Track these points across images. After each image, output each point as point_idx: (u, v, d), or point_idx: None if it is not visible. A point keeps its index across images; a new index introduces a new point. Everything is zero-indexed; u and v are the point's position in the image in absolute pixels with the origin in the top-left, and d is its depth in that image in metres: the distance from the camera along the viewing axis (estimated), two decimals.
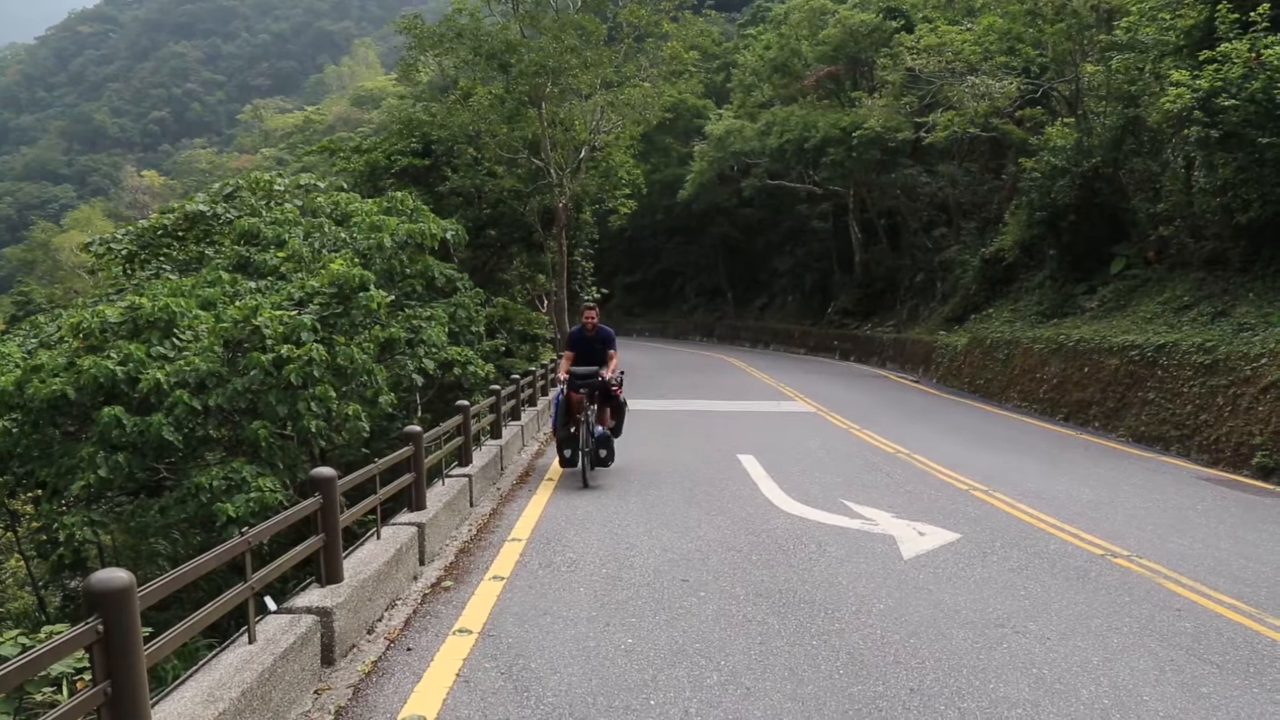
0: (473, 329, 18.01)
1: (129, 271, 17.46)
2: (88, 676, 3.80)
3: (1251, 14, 15.97)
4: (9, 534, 15.63)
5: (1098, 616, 5.58)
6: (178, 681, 3.47)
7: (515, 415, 12.80)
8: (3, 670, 2.48)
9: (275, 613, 4.37)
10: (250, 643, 3.94)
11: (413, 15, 27.07)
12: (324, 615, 4.46)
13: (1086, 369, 19.68)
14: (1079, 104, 24.97)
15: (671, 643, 4.95)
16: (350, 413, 11.85)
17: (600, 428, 10.67)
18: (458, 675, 4.49)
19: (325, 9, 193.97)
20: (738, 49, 51.86)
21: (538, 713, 4.13)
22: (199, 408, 11.26)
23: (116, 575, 2.95)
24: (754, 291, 52.39)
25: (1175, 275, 20.71)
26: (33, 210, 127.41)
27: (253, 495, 11.05)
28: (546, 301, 29.26)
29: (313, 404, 11.52)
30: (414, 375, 14.62)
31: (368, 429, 12.72)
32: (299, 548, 4.59)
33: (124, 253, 16.66)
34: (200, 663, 3.67)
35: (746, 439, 13.25)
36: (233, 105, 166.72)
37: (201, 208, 16.18)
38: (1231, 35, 16.38)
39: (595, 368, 10.95)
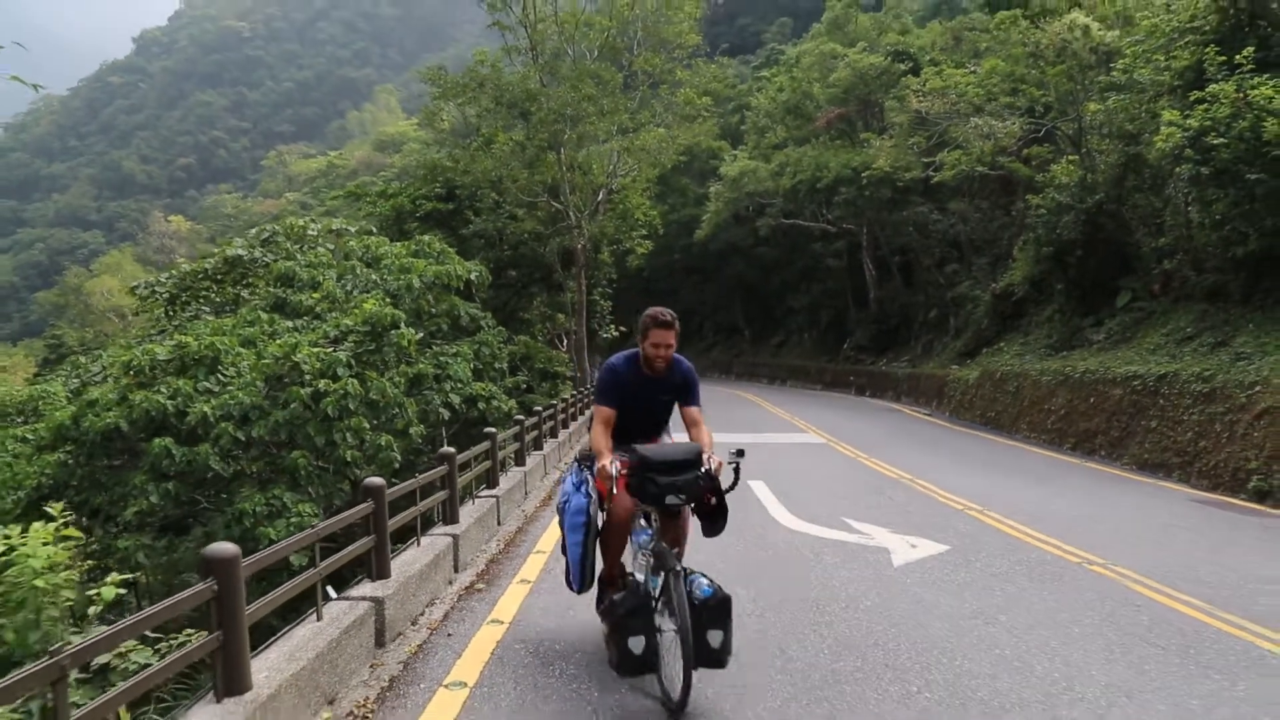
0: (496, 366, 18.82)
1: (170, 313, 18.41)
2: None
3: (1237, 57, 16.68)
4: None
5: (1064, 611, 6.19)
6: (266, 643, 4.17)
7: (538, 445, 13.48)
8: (148, 612, 3.19)
9: (337, 599, 5.09)
10: (318, 620, 4.65)
11: (436, 66, 28.24)
12: (377, 603, 5.19)
13: (1092, 399, 20.19)
14: (1082, 142, 25.69)
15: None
16: (383, 443, 12.61)
17: (703, 579, 4.71)
18: (492, 654, 5.20)
19: (347, 56, 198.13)
20: (751, 91, 53.07)
21: (561, 681, 4.84)
22: (242, 439, 12.06)
23: (226, 546, 3.62)
24: (770, 329, 53.13)
25: (1179, 307, 21.23)
26: (63, 256, 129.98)
27: (293, 519, 11.80)
28: (566, 340, 30.06)
29: (348, 435, 12.32)
30: (441, 409, 15.39)
31: (399, 459, 13.46)
32: (356, 545, 5.34)
33: (166, 295, 17.59)
34: (283, 630, 4.39)
35: (758, 467, 13.89)
36: (257, 151, 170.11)
37: (240, 252, 17.13)
38: (1220, 77, 17.09)
39: (676, 447, 5.09)
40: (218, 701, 3.53)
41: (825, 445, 17.48)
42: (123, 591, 5.42)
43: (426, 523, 7.11)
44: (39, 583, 4.86)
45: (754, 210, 43.47)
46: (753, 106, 45.84)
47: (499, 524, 8.96)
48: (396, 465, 13.63)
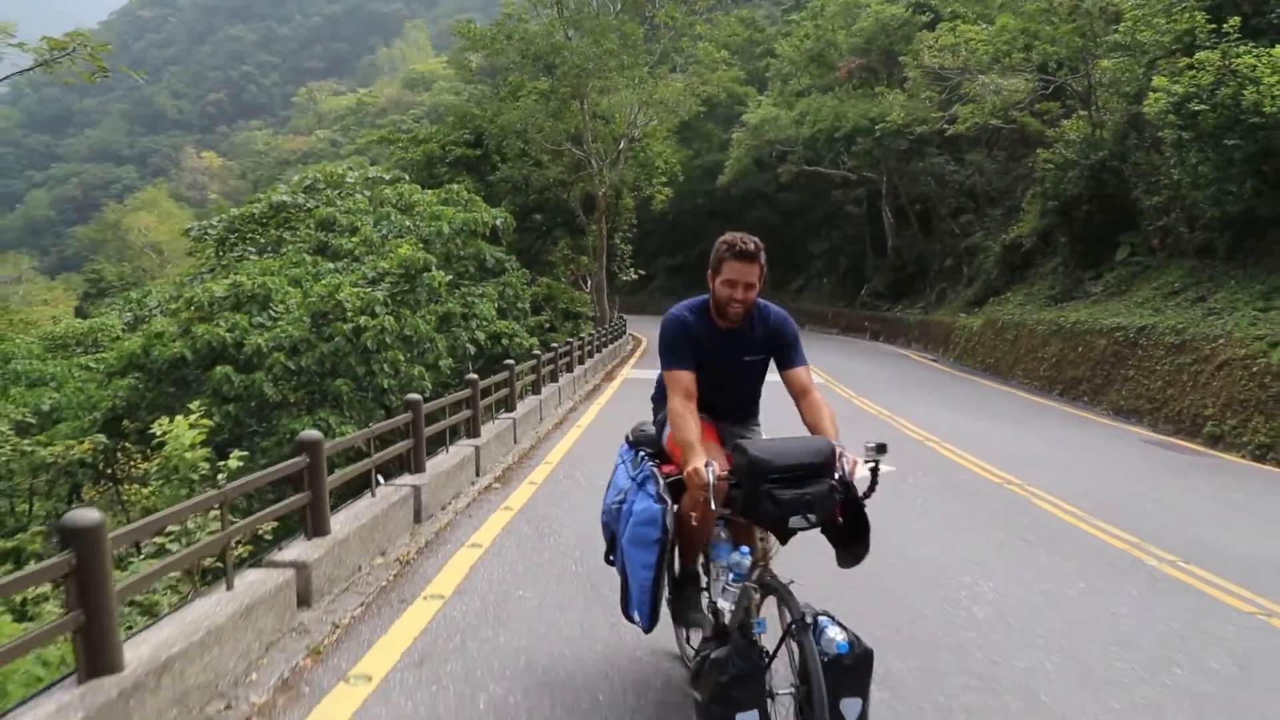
0: (519, 306, 20.30)
1: (219, 253, 19.97)
2: None
3: (1224, 25, 17.53)
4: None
5: (965, 515, 7.64)
6: (338, 509, 5.72)
7: (554, 378, 14.98)
8: (264, 473, 4.70)
9: (385, 485, 6.62)
10: (372, 496, 6.19)
11: (466, 19, 29.33)
12: (415, 489, 6.73)
13: (1080, 349, 21.40)
14: (1091, 99, 26.44)
15: None
16: (415, 374, 14.16)
17: (835, 628, 3.06)
18: (503, 529, 6.73)
19: None
20: (779, 35, 53.45)
21: (554, 545, 6.38)
22: (292, 368, 13.65)
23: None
24: (791, 274, 54.16)
25: (1172, 263, 22.25)
26: (97, 191, 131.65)
27: (337, 439, 13.44)
28: (590, 281, 31.45)
29: (385, 366, 13.87)
30: (468, 345, 16.91)
31: (430, 389, 15.02)
32: (399, 444, 6.90)
33: (217, 237, 19.14)
34: (349, 501, 5.96)
35: None
36: (287, 87, 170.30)
37: (284, 198, 18.61)
38: (1209, 44, 17.95)
39: (799, 444, 3.32)
40: (308, 539, 5.06)
41: (822, 385, 18.85)
42: (241, 463, 7.00)
43: (455, 435, 8.65)
44: (187, 455, 6.54)
45: (776, 157, 44.29)
46: (778, 54, 46.31)
47: (515, 441, 10.51)
48: (427, 394, 15.22)
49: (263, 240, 20.04)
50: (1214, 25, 18.18)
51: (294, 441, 5.09)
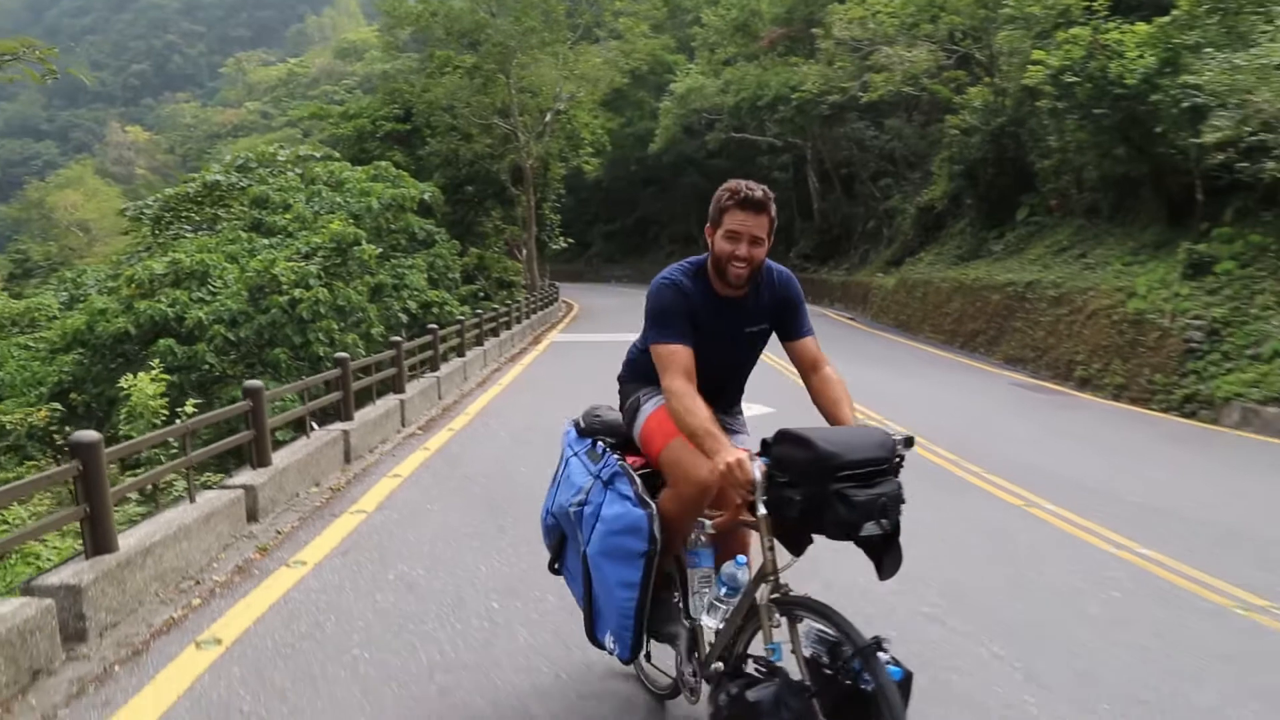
0: (449, 276, 21.33)
1: (155, 232, 20.64)
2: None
3: (1094, 3, 19.06)
4: None
5: None
6: (278, 447, 6.85)
7: (480, 342, 16.12)
8: (213, 414, 5.82)
9: (319, 430, 7.76)
10: (307, 438, 7.33)
11: None
12: (345, 433, 7.89)
13: (978, 304, 23.06)
14: (993, 68, 27.98)
15: (552, 451, 8.39)
16: (349, 341, 15.18)
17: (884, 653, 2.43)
18: (421, 464, 7.94)
19: None
20: (706, 4, 54.38)
21: (461, 474, 7.63)
22: (232, 339, 14.59)
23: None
24: None
25: (1065, 222, 23.96)
26: (16, 168, 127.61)
27: (275, 405, 14.47)
28: (524, 250, 32.46)
29: (320, 335, 14.88)
30: (400, 314, 17.93)
31: (364, 354, 16.06)
32: (329, 396, 8.04)
33: (152, 216, 19.82)
34: (288, 441, 7.09)
35: None
36: (214, 57, 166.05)
37: (218, 177, 19.34)
38: (1082, 20, 19.48)
39: (860, 434, 2.71)
40: (253, 469, 6.21)
41: None
42: (195, 410, 8.10)
43: (384, 391, 9.81)
44: (150, 403, 7.64)
45: (704, 125, 45.46)
46: (704, 23, 47.32)
47: (440, 397, 11.69)
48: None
49: (198, 218, 20.73)
50: (1088, 2, 19.71)
51: (241, 389, 6.21)
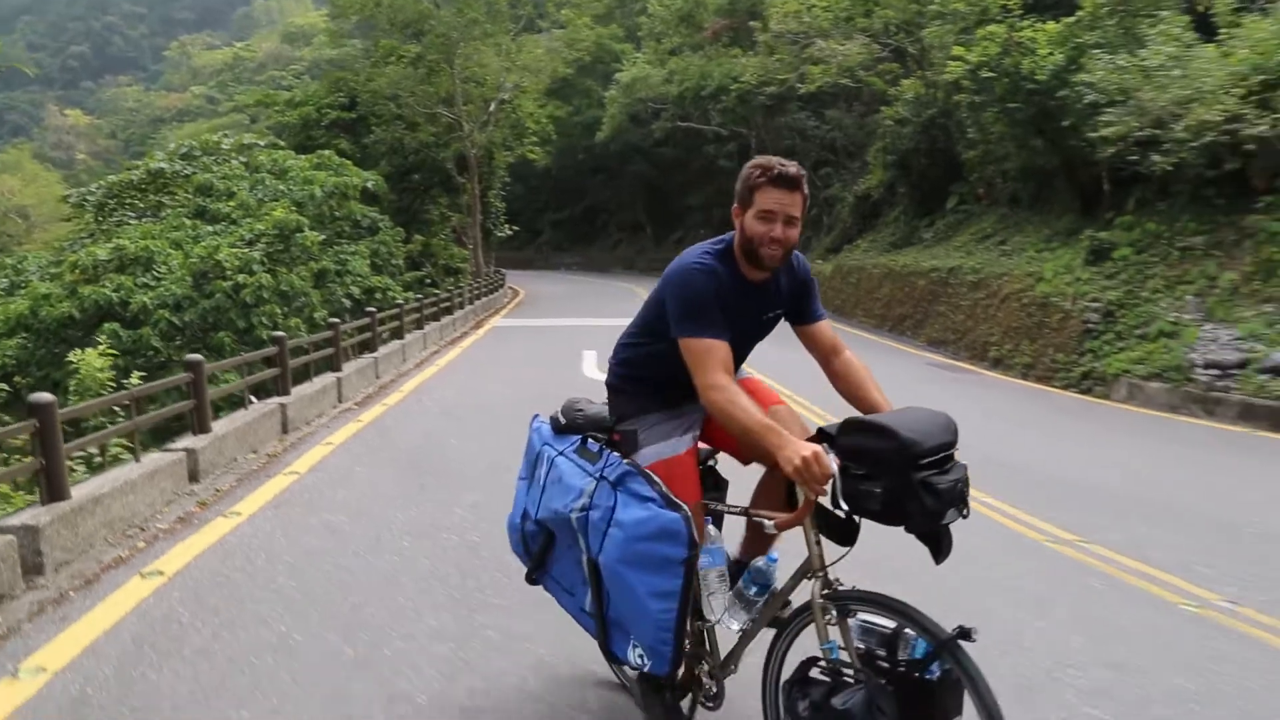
0: (393, 262, 21.82)
1: (99, 219, 20.86)
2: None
3: (1010, 3, 20.05)
4: None
5: None
6: (219, 417, 7.44)
7: (420, 325, 16.69)
8: (164, 382, 6.41)
9: (256, 403, 8.36)
10: (245, 410, 7.93)
11: None
12: (282, 406, 8.50)
13: (905, 289, 24.07)
14: (925, 61, 28.97)
15: (480, 424, 9.08)
16: (292, 325, 15.69)
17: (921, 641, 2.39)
18: (353, 434, 8.59)
19: None
20: None
21: (391, 443, 8.27)
22: (177, 323, 15.03)
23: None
24: (671, 226, 56.28)
25: (990, 211, 25.03)
26: None
27: (221, 386, 14.96)
28: (470, 238, 32.93)
29: (263, 319, 15.37)
30: (343, 299, 18.43)
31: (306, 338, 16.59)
32: (267, 372, 8.63)
33: (95, 203, 20.05)
34: (228, 414, 7.69)
35: (599, 341, 17.23)
36: (157, 40, 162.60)
37: (163, 165, 19.64)
38: (999, 18, 20.46)
39: (927, 416, 2.53)
40: (194, 435, 6.82)
41: None
42: (141, 382, 8.65)
43: (324, 369, 10.42)
44: (98, 375, 8.20)
45: (650, 114, 46.13)
46: (651, 13, 47.94)
47: (377, 376, 12.31)
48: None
49: (142, 205, 20.98)
50: (1005, 1, 20.71)
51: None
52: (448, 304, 19.98)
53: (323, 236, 17.50)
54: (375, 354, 12.59)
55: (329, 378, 10.27)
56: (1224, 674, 3.80)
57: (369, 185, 20.59)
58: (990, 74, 19.48)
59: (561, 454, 3.14)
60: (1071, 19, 17.67)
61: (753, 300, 2.89)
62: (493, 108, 30.08)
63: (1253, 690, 3.66)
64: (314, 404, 9.43)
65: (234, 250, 15.48)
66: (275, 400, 8.61)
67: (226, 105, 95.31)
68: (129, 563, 4.93)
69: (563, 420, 3.25)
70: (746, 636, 2.80)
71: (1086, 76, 15.10)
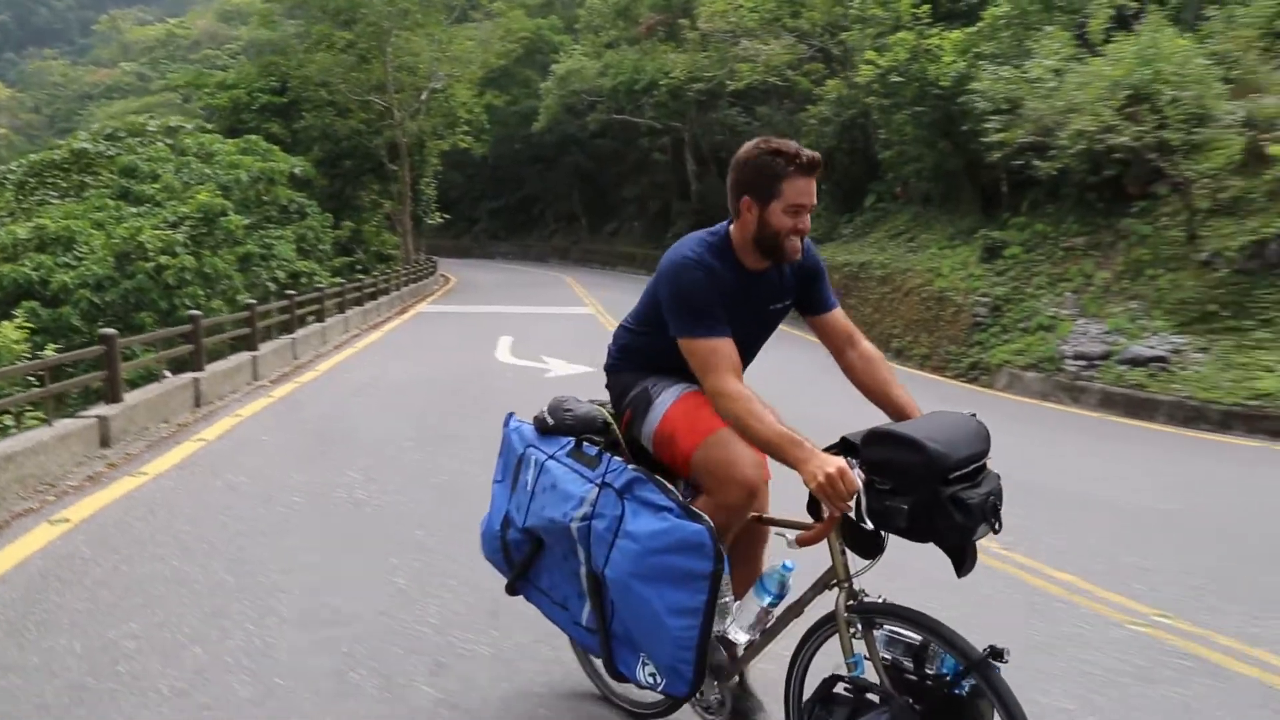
0: (320, 247, 22.13)
1: (19, 198, 20.81)
2: None
3: (918, 9, 21.04)
4: None
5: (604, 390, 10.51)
6: (135, 389, 7.92)
7: (342, 309, 17.15)
8: (75, 354, 6.89)
9: (171, 376, 8.84)
10: (159, 383, 8.41)
11: None
12: (195, 381, 9.01)
13: None
14: (847, 62, 29.95)
15: (384, 400, 9.68)
16: (215, 307, 16.02)
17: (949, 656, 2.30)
18: (264, 407, 9.13)
19: None
20: None
21: (298, 415, 8.83)
22: (98, 303, 15.28)
23: (111, 331, 7.02)
24: (606, 217, 56.94)
25: (905, 209, 26.10)
26: None
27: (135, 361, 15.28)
28: (400, 225, 33.21)
29: (186, 300, 15.68)
30: (268, 283, 18.75)
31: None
32: (180, 348, 9.10)
33: (16, 181, 20.04)
34: (144, 386, 8.17)
35: (518, 327, 17.90)
36: (85, 12, 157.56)
37: (86, 145, 19.70)
38: (910, 25, 21.45)
39: (954, 422, 2.44)
40: (107, 404, 7.32)
41: (591, 316, 21.74)
42: (56, 354, 9.08)
43: (242, 347, 10.92)
44: (14, 346, 8.62)
45: (586, 106, 46.66)
46: (588, 5, 48.41)
47: (295, 357, 12.83)
48: None
49: (65, 185, 20.98)
50: (916, 9, 21.68)
51: (104, 338, 7.30)
52: (373, 289, 20.40)
53: (248, 220, 17.81)
54: (294, 335, 13.08)
55: (244, 356, 10.78)
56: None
57: (296, 170, 20.87)
58: (899, 78, 20.46)
59: (553, 458, 2.94)
60: (973, 29, 18.69)
61: (756, 292, 2.75)
62: (424, 96, 30.40)
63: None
64: (228, 380, 9.92)
65: (157, 232, 15.75)
66: (189, 375, 9.10)
67: (159, 83, 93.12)
68: (39, 513, 5.46)
69: (550, 421, 3.05)
70: (754, 648, 2.66)
71: (978, 85, 16.06)
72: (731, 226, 2.72)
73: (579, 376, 11.76)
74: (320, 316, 15.25)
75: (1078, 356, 13.64)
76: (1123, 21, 15.71)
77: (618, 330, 3.08)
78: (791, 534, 2.46)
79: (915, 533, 2.24)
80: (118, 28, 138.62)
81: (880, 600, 2.41)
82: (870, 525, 2.28)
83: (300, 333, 13.47)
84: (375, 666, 3.55)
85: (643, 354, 2.92)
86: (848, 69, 29.79)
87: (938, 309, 17.71)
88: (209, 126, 24.48)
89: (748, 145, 2.70)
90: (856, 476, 2.24)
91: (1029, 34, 17.22)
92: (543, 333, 17.28)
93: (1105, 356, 13.30)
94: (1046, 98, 14.21)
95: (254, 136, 21.47)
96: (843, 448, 2.40)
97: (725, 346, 2.58)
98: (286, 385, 10.68)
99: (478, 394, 10.28)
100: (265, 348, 11.63)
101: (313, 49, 28.96)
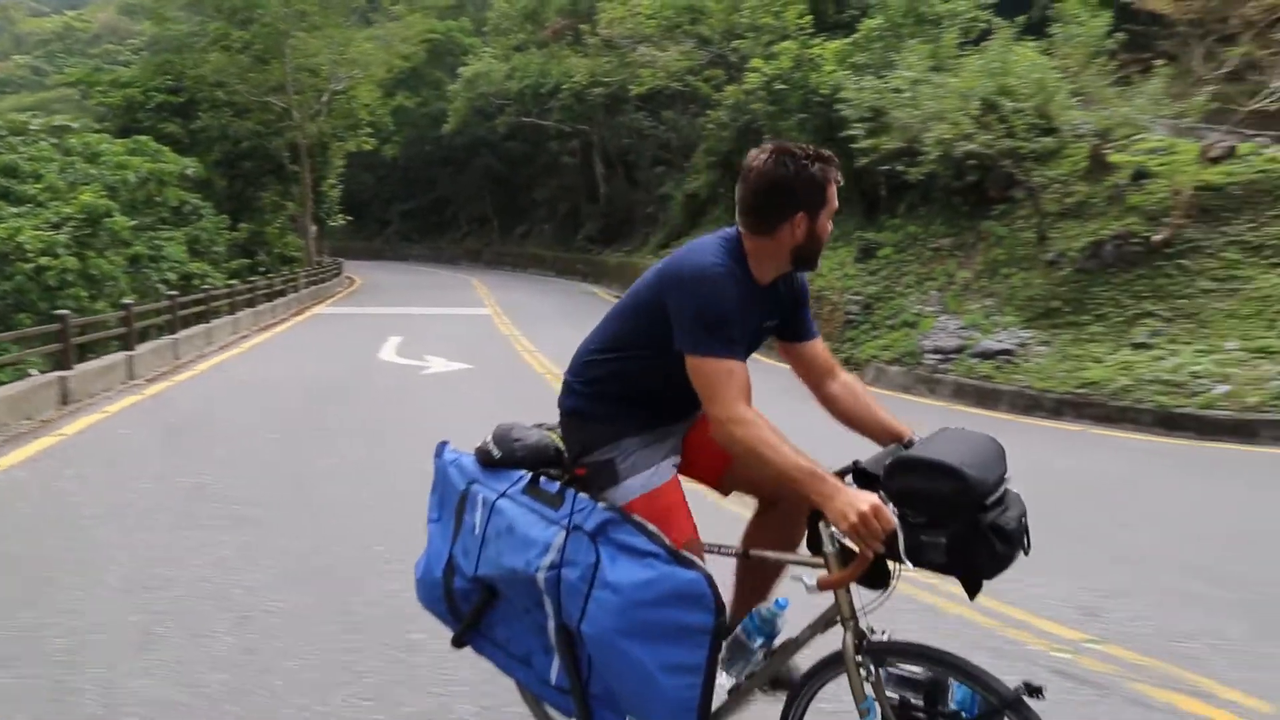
0: (214, 249, 22.06)
1: None
2: None
3: (801, 20, 21.95)
4: None
5: (503, 392, 10.97)
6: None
7: (232, 311, 17.26)
8: None
9: (39, 375, 9.00)
10: (24, 381, 8.59)
11: None
12: (62, 379, 9.19)
13: None
14: (743, 69, 30.79)
15: (254, 398, 9.99)
16: (99, 309, 15.96)
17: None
18: (133, 404, 9.39)
19: None
20: None
21: (165, 411, 9.11)
22: None
23: None
24: (517, 220, 57.15)
25: None
26: None
27: (19, 368, 15.17)
28: (319, 227, 33.08)
29: (69, 302, 15.60)
30: (158, 285, 18.67)
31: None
32: (50, 345, 9.28)
33: None
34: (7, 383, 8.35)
35: (411, 328, 18.17)
36: None
37: None
38: (795, 35, 22.35)
39: (976, 442, 2.24)
40: None
41: (487, 316, 22.12)
42: None
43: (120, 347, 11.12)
44: None
45: (495, 109, 46.87)
46: (494, 7, 48.64)
47: (176, 357, 12.99)
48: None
49: None
50: (801, 20, 22.61)
51: None
52: (267, 291, 20.45)
53: (134, 222, 17.74)
54: (176, 335, 13.22)
55: (120, 355, 10.95)
56: None
57: (189, 171, 20.80)
58: (784, 86, 21.32)
59: (505, 496, 2.57)
60: (848, 40, 19.62)
61: (758, 307, 2.50)
62: (325, 98, 30.35)
63: None
64: (101, 378, 10.11)
65: (37, 234, 15.63)
66: (56, 373, 9.27)
67: (56, 78, 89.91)
68: None
69: (496, 452, 2.65)
70: (740, 694, 2.42)
71: (845, 94, 16.92)
72: (747, 240, 2.48)
73: (455, 373, 12.20)
74: (206, 317, 15.35)
75: (935, 351, 14.55)
76: (983, 36, 16.76)
77: (580, 359, 2.61)
78: (809, 577, 2.16)
79: (953, 567, 2.07)
80: (9, 18, 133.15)
81: (890, 639, 2.20)
82: (910, 565, 2.05)
83: (183, 333, 13.61)
84: (184, 622, 3.96)
85: (618, 383, 2.51)
86: (743, 76, 30.75)
87: (815, 307, 18.42)
88: (98, 126, 24.14)
89: (771, 157, 2.42)
90: (894, 518, 2.03)
91: (898, 45, 18.18)
92: (435, 333, 17.60)
93: (960, 350, 14.21)
94: (904, 107, 15.09)
95: (143, 137, 21.29)
96: (859, 477, 2.20)
97: (740, 370, 2.32)
98: (161, 384, 10.90)
99: (350, 391, 10.65)
100: (144, 347, 11.79)
101: (208, 48, 28.66)
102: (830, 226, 2.48)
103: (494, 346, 15.60)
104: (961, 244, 17.12)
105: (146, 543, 5.03)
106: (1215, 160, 14.02)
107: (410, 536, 5.08)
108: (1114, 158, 15.42)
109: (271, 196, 31.54)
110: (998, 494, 2.10)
